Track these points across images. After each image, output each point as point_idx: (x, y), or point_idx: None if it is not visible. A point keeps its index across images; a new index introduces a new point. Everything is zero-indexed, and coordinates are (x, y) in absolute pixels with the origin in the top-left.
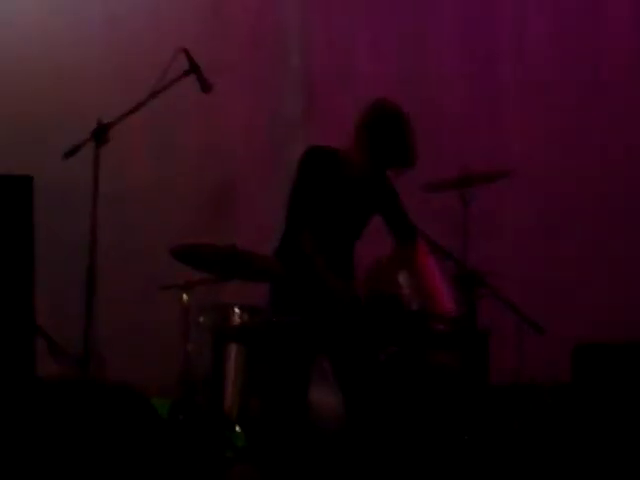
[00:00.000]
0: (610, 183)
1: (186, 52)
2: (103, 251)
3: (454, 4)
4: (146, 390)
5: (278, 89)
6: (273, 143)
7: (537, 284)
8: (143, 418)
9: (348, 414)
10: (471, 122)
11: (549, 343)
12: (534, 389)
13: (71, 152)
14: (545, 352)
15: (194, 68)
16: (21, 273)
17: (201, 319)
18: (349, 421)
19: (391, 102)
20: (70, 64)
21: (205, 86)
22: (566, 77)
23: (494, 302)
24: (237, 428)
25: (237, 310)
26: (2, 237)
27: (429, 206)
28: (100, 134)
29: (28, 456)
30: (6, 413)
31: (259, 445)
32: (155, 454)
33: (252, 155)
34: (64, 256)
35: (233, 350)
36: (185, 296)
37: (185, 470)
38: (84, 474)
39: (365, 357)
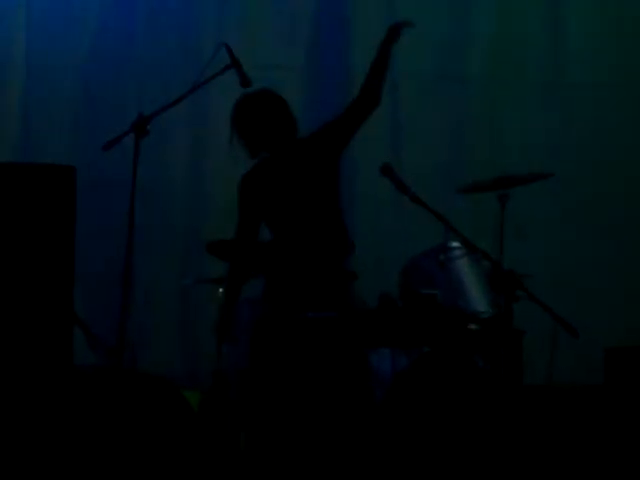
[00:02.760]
0: None
1: (227, 47)
2: (141, 243)
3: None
4: (178, 382)
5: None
6: None
7: (572, 286)
8: (174, 409)
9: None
10: (502, 124)
11: (583, 345)
12: (567, 391)
13: (111, 144)
14: (579, 354)
15: (235, 63)
16: (62, 263)
17: (236, 313)
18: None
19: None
20: (112, 57)
21: (245, 81)
22: (598, 77)
23: (529, 304)
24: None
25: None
26: (45, 227)
27: (466, 207)
28: (140, 126)
29: (62, 442)
30: (44, 400)
31: (288, 441)
32: (185, 446)
33: None
34: (102, 247)
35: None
36: (221, 290)
37: (213, 462)
38: (115, 461)
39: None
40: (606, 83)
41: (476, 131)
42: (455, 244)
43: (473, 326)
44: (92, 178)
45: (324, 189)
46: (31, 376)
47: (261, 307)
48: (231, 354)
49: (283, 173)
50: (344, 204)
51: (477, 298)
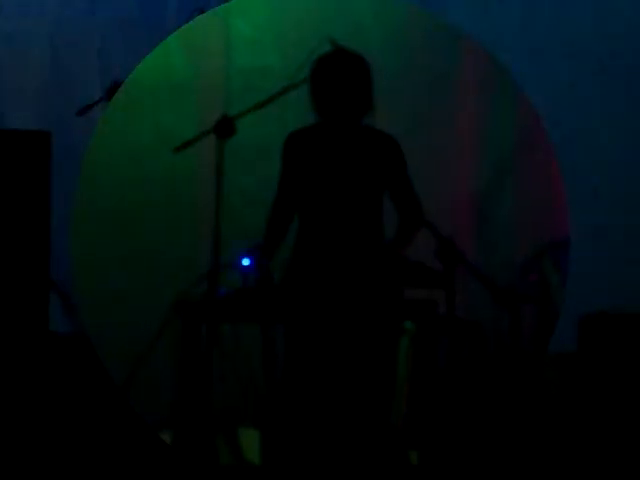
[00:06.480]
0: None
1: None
2: None
3: None
4: None
5: None
6: None
7: None
8: None
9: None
10: None
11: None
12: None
13: (84, 110)
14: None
15: None
16: (38, 229)
17: None
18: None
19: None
20: (77, 21)
21: None
22: None
23: None
24: None
25: None
26: (20, 192)
27: None
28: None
29: (36, 407)
30: (19, 366)
31: None
32: None
33: None
34: None
35: None
36: None
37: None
38: (89, 425)
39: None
40: None
41: None
42: None
43: None
44: (66, 144)
45: (367, 190)
46: (6, 341)
47: None
48: None
49: (337, 151)
50: None
51: None
